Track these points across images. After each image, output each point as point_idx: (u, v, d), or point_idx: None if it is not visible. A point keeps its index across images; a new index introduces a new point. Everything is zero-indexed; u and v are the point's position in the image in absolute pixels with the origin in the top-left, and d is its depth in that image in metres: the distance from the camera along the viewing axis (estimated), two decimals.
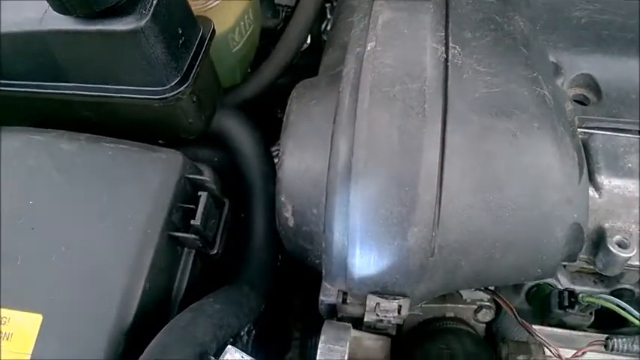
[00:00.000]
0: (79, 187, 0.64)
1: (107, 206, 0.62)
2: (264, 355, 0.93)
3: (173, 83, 0.61)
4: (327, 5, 1.08)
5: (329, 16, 1.10)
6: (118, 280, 0.58)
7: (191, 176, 0.65)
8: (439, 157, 0.54)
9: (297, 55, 0.90)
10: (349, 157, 0.55)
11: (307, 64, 0.96)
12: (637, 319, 0.57)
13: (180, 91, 0.62)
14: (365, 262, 0.56)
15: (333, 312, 0.66)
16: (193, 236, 0.64)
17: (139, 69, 0.60)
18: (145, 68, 0.60)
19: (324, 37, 1.08)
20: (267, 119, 0.96)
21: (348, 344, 0.56)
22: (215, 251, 0.69)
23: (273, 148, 0.95)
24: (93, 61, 0.62)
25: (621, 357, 0.60)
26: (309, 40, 1.03)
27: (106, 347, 0.54)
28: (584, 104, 0.68)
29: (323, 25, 1.12)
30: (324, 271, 0.62)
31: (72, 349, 0.54)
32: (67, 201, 0.63)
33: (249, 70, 0.90)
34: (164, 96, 0.61)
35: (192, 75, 0.62)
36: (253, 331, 0.93)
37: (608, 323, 0.74)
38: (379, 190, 0.54)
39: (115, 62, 0.61)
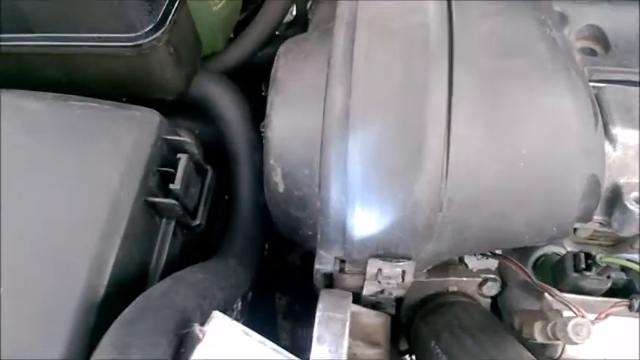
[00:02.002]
0: (46, 148, 0.57)
1: (77, 169, 0.56)
2: None
3: (147, 29, 0.55)
4: None
5: None
6: (87, 249, 0.51)
7: (169, 137, 0.59)
8: (447, 98, 0.48)
9: (280, 23, 0.85)
10: (346, 102, 0.50)
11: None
12: None
13: (155, 38, 0.56)
14: (366, 220, 0.51)
15: (329, 284, 0.61)
16: (173, 202, 0.58)
17: (109, 12, 0.54)
18: (115, 11, 0.54)
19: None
20: (253, 96, 0.91)
21: (349, 312, 0.50)
22: (197, 222, 0.63)
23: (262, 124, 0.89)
24: (60, 7, 0.56)
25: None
26: (294, 12, 0.98)
27: (75, 318, 0.47)
28: (592, 57, 0.64)
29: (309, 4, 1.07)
30: (319, 237, 0.56)
31: (37, 320, 0.47)
32: (33, 164, 0.56)
33: (231, 36, 0.85)
34: (137, 43, 0.55)
35: (168, 21, 0.56)
36: (241, 321, 0.86)
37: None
38: (380, 137, 0.49)
39: (83, 6, 0.55)
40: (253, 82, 0.98)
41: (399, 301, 0.66)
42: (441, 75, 0.48)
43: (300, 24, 0.99)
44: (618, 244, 0.71)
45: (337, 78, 0.51)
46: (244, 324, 0.82)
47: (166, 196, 0.58)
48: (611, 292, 0.64)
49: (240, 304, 0.83)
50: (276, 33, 0.89)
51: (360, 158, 0.49)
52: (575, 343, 0.49)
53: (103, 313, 0.49)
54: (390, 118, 0.49)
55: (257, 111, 0.81)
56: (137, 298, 0.46)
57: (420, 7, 0.51)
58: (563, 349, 0.53)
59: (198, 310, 0.47)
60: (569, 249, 0.72)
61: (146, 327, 0.41)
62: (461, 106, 0.49)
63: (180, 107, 0.73)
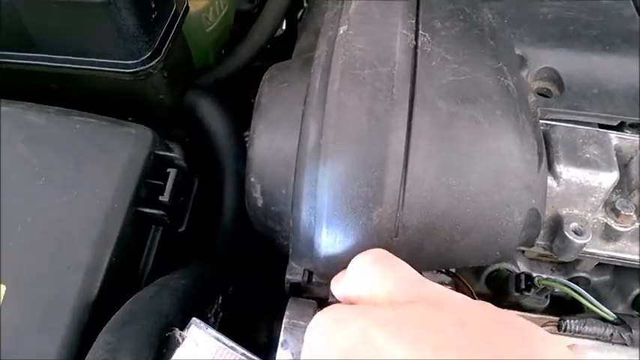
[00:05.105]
0: (47, 159, 0.63)
1: (75, 180, 0.62)
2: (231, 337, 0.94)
3: (144, 57, 0.61)
4: None
5: (305, 5, 1.11)
6: (83, 253, 0.58)
7: (161, 152, 0.66)
8: (405, 139, 0.55)
9: (271, 38, 0.90)
10: (318, 138, 0.56)
11: (282, 51, 0.97)
12: (588, 301, 0.60)
13: (151, 66, 0.61)
14: (331, 240, 0.57)
15: (298, 292, 0.68)
16: (161, 212, 0.64)
17: (110, 41, 0.60)
18: (116, 41, 0.60)
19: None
20: (241, 105, 0.96)
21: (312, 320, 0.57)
22: (183, 229, 0.69)
23: (246, 133, 0.95)
24: (64, 31, 0.61)
25: (573, 338, 0.62)
26: (284, 26, 1.03)
27: (70, 317, 0.54)
28: (547, 97, 0.71)
29: (299, 13, 1.12)
30: (290, 250, 0.63)
31: (36, 319, 0.54)
32: (33, 173, 0.62)
33: (222, 52, 0.90)
34: (135, 70, 0.61)
35: (164, 50, 0.62)
36: (221, 314, 0.94)
37: (563, 309, 0.77)
38: (347, 170, 0.55)
39: (86, 34, 0.60)
40: (244, 91, 1.04)
41: None
42: (401, 119, 0.55)
43: (292, 37, 1.04)
44: (567, 262, 0.78)
45: (311, 116, 0.57)
46: (224, 316, 0.90)
47: (156, 207, 0.65)
48: None
49: (220, 298, 0.91)
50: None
51: (328, 187, 0.56)
52: None
53: (96, 313, 0.56)
54: (355, 155, 0.55)
55: (246, 117, 0.87)
56: (127, 303, 0.52)
57: (387, 58, 0.57)
58: None
59: (180, 313, 0.54)
60: (520, 265, 0.79)
61: (134, 330, 0.47)
62: (418, 147, 0.55)
63: (172, 118, 0.79)
